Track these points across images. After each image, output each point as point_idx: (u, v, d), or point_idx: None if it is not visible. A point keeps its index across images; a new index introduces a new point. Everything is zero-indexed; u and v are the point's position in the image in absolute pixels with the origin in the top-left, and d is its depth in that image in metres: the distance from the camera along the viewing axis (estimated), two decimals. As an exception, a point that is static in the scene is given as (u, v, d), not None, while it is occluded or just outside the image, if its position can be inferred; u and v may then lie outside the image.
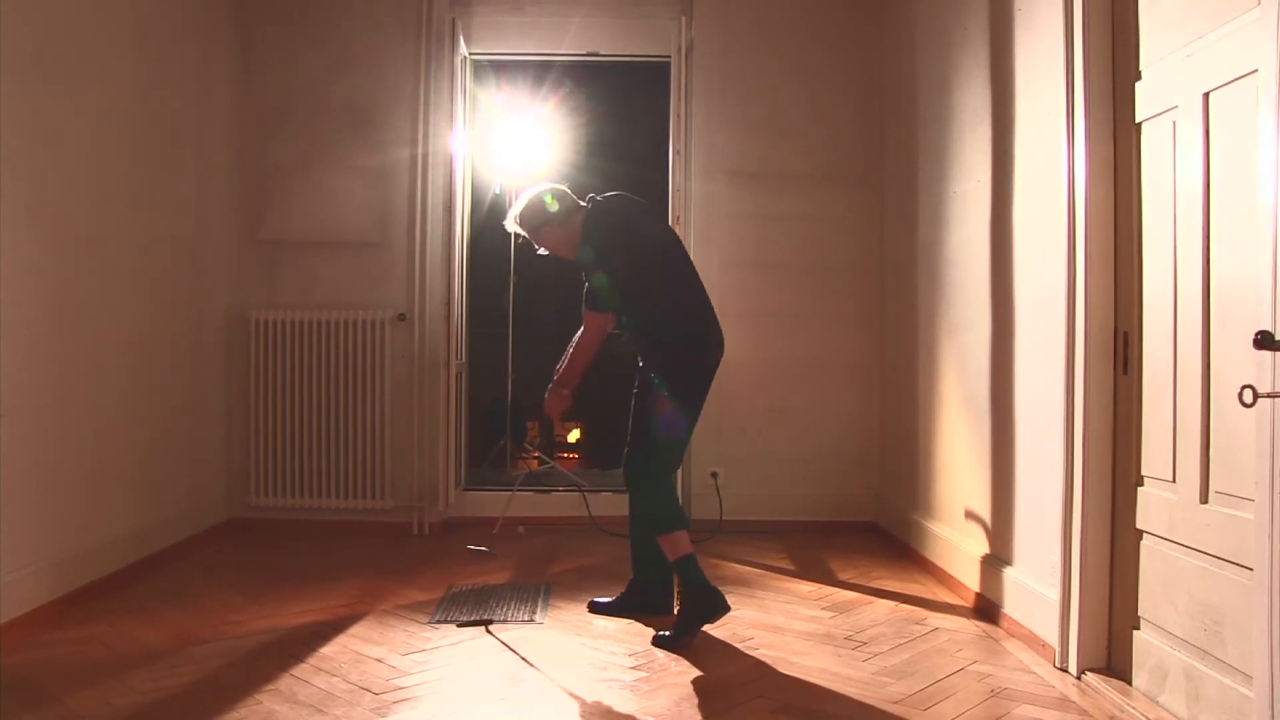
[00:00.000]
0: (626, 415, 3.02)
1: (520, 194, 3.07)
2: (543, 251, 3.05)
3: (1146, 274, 2.32)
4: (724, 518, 4.26)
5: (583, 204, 2.99)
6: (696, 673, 2.55)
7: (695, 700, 2.35)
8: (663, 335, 2.89)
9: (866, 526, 4.34)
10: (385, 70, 4.32)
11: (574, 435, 11.00)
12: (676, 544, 2.77)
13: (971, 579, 3.20)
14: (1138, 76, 2.34)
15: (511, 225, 3.05)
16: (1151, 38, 2.28)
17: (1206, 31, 2.03)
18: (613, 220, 2.95)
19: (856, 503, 4.40)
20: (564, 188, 3.04)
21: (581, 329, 3.03)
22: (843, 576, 3.58)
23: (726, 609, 2.74)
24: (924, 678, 2.50)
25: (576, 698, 2.37)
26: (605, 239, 2.89)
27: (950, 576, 3.40)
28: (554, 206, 2.96)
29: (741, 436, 4.37)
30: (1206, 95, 2.04)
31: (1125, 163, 2.40)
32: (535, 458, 6.42)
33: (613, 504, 4.30)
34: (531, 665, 2.60)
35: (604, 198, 3.02)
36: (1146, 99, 2.30)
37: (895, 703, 2.33)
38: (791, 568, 3.72)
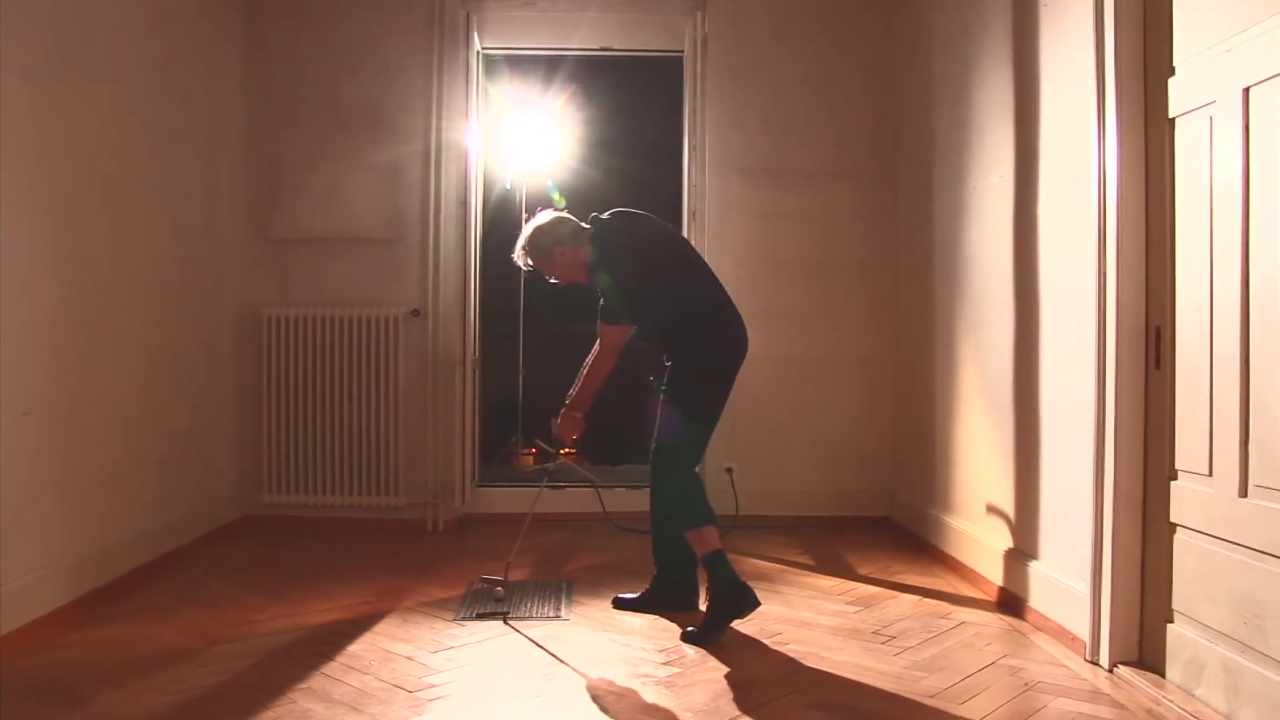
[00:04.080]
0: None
1: (524, 228, 3.09)
2: (554, 281, 3.07)
3: (1180, 269, 2.33)
4: (739, 513, 4.26)
5: (585, 226, 3.01)
6: (728, 668, 2.54)
7: (730, 695, 2.35)
8: (683, 343, 2.89)
9: (880, 521, 4.35)
10: (397, 65, 4.29)
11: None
12: (705, 539, 2.76)
13: (994, 573, 3.21)
14: (1171, 72, 2.35)
15: (520, 255, 3.06)
16: (1186, 33, 2.29)
17: (1248, 26, 2.03)
18: (619, 238, 2.98)
19: (870, 498, 4.40)
20: (564, 213, 3.04)
21: (597, 345, 3.03)
22: (863, 571, 3.59)
23: (756, 604, 2.74)
24: (956, 672, 2.51)
25: (612, 694, 2.36)
26: (616, 256, 2.93)
27: (971, 570, 3.41)
28: (562, 228, 2.99)
29: (755, 432, 4.37)
30: (1246, 91, 2.05)
31: (1157, 158, 2.41)
32: (534, 453, 6.42)
33: (626, 500, 4.29)
34: (563, 662, 2.59)
35: (608, 215, 3.03)
36: (1181, 94, 2.30)
37: (931, 697, 2.33)
38: (810, 562, 3.73)
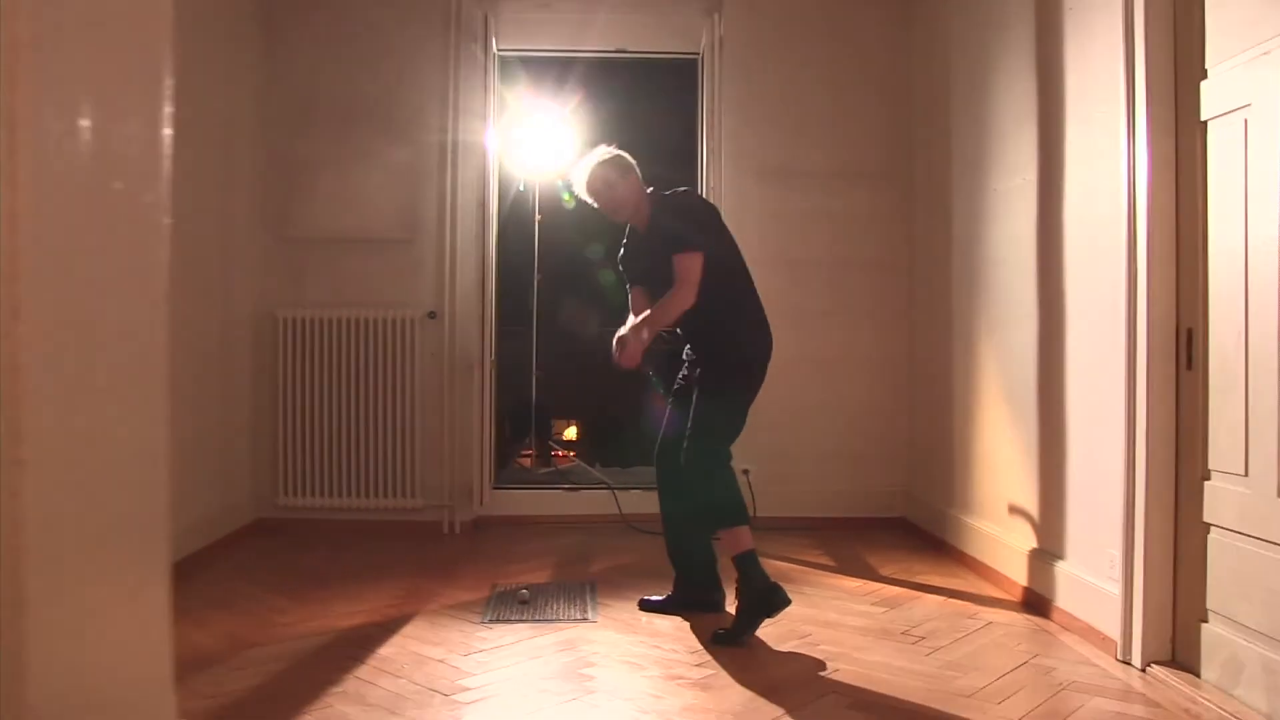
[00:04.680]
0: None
1: (584, 159, 3.04)
2: (595, 205, 3.01)
3: (1213, 271, 2.35)
4: (756, 514, 4.26)
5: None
6: (761, 669, 2.55)
7: (768, 697, 2.35)
8: (728, 332, 2.89)
9: (897, 522, 4.36)
10: (413, 66, 4.29)
11: (570, 433, 10.97)
12: (739, 539, 2.77)
13: (1017, 573, 3.22)
14: (1203, 75, 2.36)
15: (582, 175, 2.99)
16: (1220, 37, 2.31)
17: (1287, 30, 2.05)
18: (698, 201, 3.02)
19: (886, 498, 4.42)
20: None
21: (679, 279, 2.81)
22: (884, 572, 3.60)
23: (788, 602, 2.74)
24: (989, 672, 2.52)
25: (649, 695, 2.36)
26: (701, 220, 2.92)
27: (993, 570, 3.42)
28: (627, 163, 2.99)
29: (772, 434, 4.37)
30: (1285, 94, 2.06)
31: (1188, 161, 2.43)
32: (560, 455, 6.41)
33: (641, 502, 4.29)
34: (596, 664, 2.59)
35: (683, 189, 3.05)
36: (1214, 97, 2.32)
37: (968, 697, 2.34)
38: (831, 563, 3.74)
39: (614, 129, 5.35)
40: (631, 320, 2.96)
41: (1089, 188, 2.83)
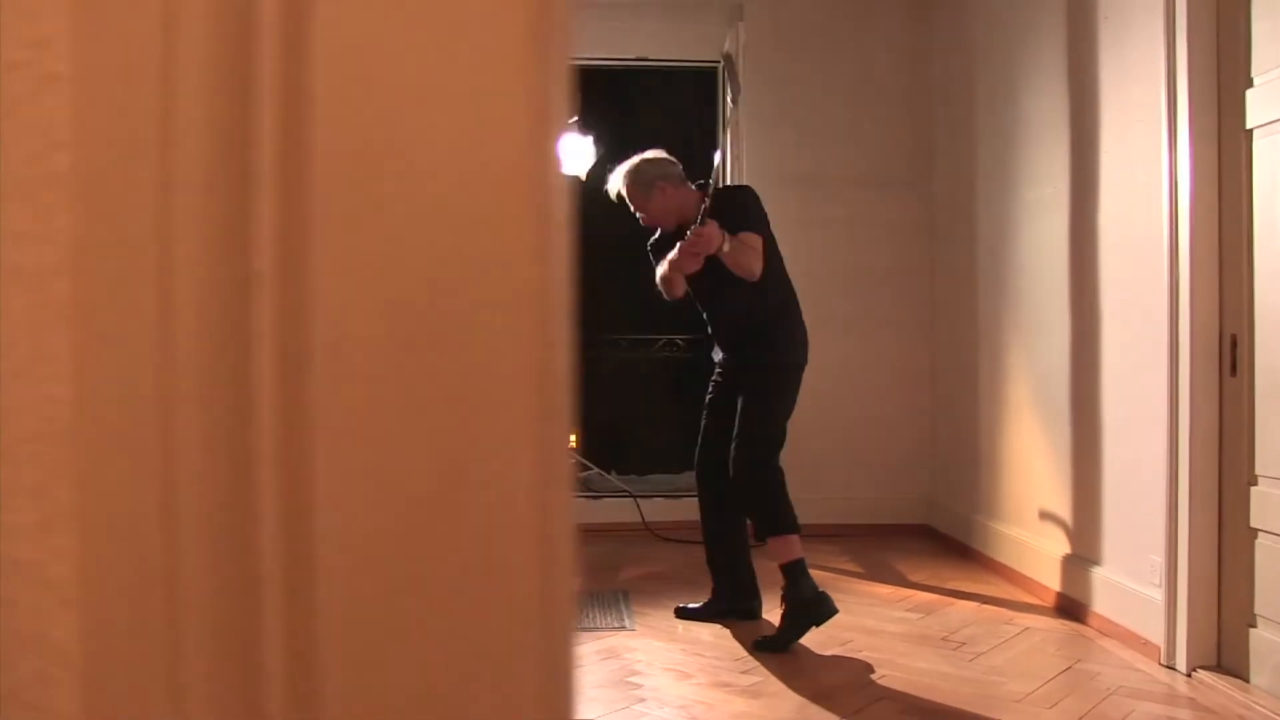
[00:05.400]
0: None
1: (630, 159, 3.00)
2: (639, 216, 2.98)
3: (1258, 278, 2.37)
4: (779, 521, 4.26)
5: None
6: (808, 676, 2.55)
7: (819, 704, 2.35)
8: (781, 336, 2.90)
9: (920, 529, 4.37)
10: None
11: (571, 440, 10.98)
12: (791, 547, 2.77)
13: (1050, 578, 3.24)
14: (1248, 84, 2.39)
15: (618, 181, 2.95)
16: (1267, 45, 2.34)
17: (1340, 41, 2.08)
18: (756, 198, 2.98)
19: (909, 505, 4.43)
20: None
21: (751, 249, 2.78)
22: (914, 578, 3.61)
23: (835, 611, 2.75)
24: (1034, 677, 2.53)
25: (700, 704, 2.36)
26: (763, 215, 2.91)
27: (1023, 576, 3.44)
28: (671, 167, 2.95)
29: (794, 441, 4.37)
30: (1336, 103, 2.09)
31: (1232, 169, 2.45)
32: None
33: (664, 510, 4.29)
34: (641, 672, 2.58)
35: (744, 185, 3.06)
36: (1260, 106, 2.35)
37: (1017, 701, 2.35)
38: (859, 570, 3.74)
39: (633, 137, 5.37)
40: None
41: (1126, 196, 2.85)
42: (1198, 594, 2.50)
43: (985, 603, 3.26)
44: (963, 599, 3.31)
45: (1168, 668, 2.56)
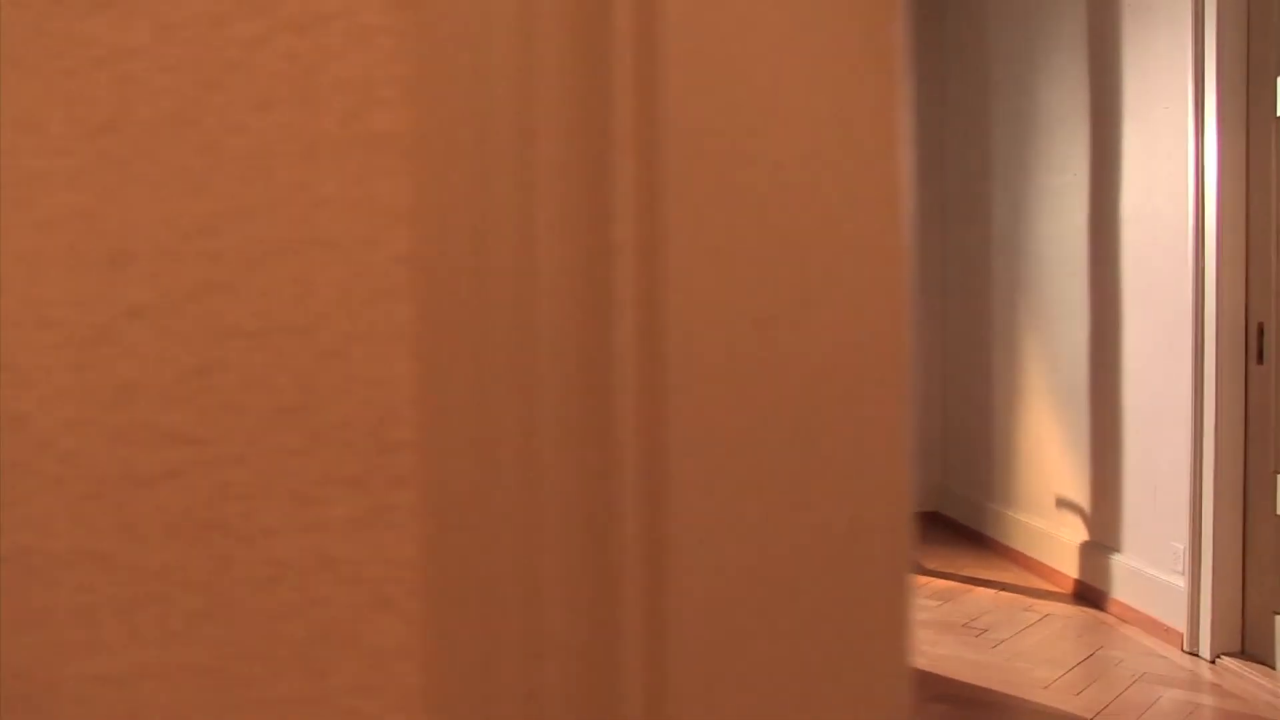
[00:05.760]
0: None
1: None
2: None
3: (1287, 266, 2.37)
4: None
5: None
6: (834, 663, 2.55)
7: (848, 691, 2.35)
8: None
9: (931, 516, 4.38)
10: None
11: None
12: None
13: (1068, 565, 3.25)
14: (1279, 72, 2.39)
15: None
16: (1299, 34, 2.33)
17: (1377, 28, 2.08)
18: None
19: (920, 492, 4.44)
20: None
21: None
22: (930, 565, 3.61)
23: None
24: (1059, 664, 2.54)
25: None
26: None
27: (1038, 563, 3.45)
28: None
29: (806, 428, 4.38)
30: (1372, 90, 2.09)
31: (1260, 157, 2.45)
32: None
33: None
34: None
35: None
36: (1291, 94, 2.35)
37: (1045, 688, 2.36)
38: (874, 558, 3.75)
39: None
40: None
41: (1148, 182, 2.85)
42: (1222, 581, 2.51)
43: (1003, 589, 3.28)
44: (979, 586, 3.33)
45: (1191, 654, 2.58)
